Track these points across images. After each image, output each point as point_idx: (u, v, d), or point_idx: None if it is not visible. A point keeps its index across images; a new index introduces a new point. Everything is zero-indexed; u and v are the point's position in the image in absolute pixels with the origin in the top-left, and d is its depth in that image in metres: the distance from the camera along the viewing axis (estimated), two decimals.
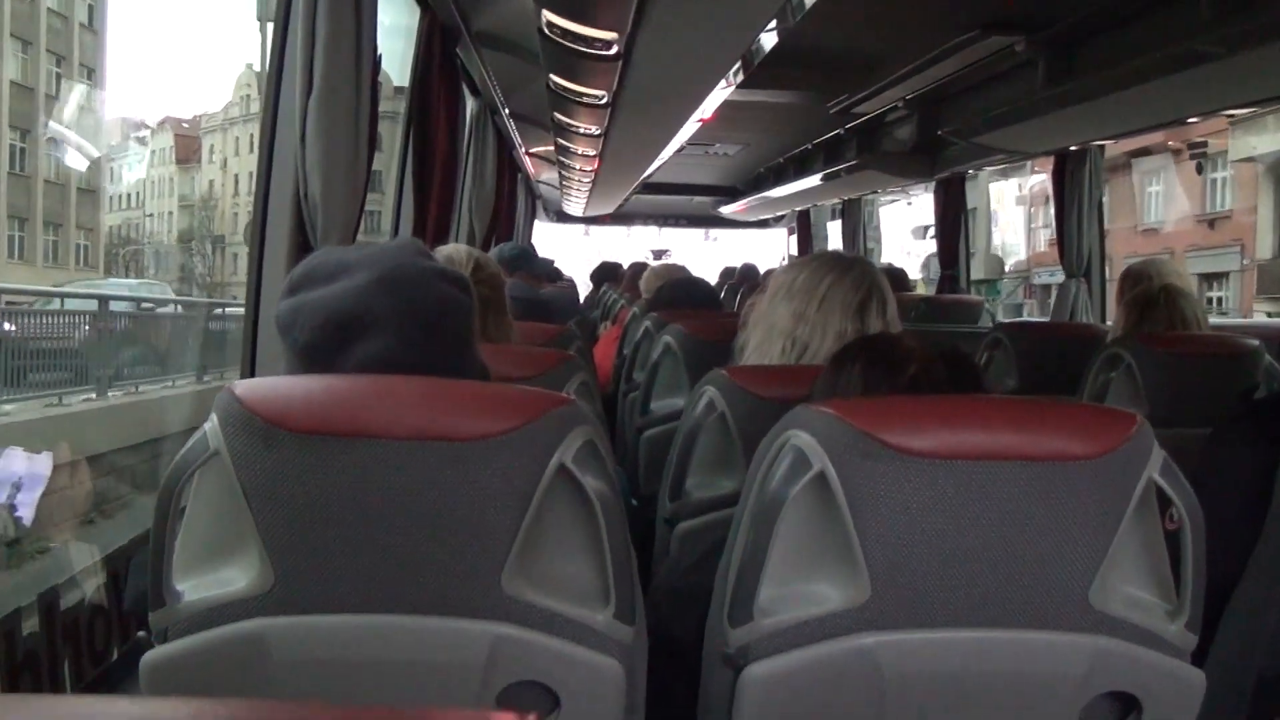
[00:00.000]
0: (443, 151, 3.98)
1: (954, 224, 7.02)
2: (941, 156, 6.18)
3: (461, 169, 4.80)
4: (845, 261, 2.18)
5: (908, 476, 1.20)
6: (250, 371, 2.31)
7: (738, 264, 11.43)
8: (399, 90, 4.43)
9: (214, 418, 1.21)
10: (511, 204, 8.18)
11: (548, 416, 1.21)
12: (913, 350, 1.50)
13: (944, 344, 1.54)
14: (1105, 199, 5.73)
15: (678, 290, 4.21)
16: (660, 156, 6.16)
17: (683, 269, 5.38)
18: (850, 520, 1.20)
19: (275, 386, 1.23)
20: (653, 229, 14.46)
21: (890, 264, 7.60)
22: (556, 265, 9.77)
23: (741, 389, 2.00)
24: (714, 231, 14.20)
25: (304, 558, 1.19)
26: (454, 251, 2.37)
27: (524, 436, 1.19)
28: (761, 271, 9.33)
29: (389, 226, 4.29)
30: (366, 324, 1.32)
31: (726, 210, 12.11)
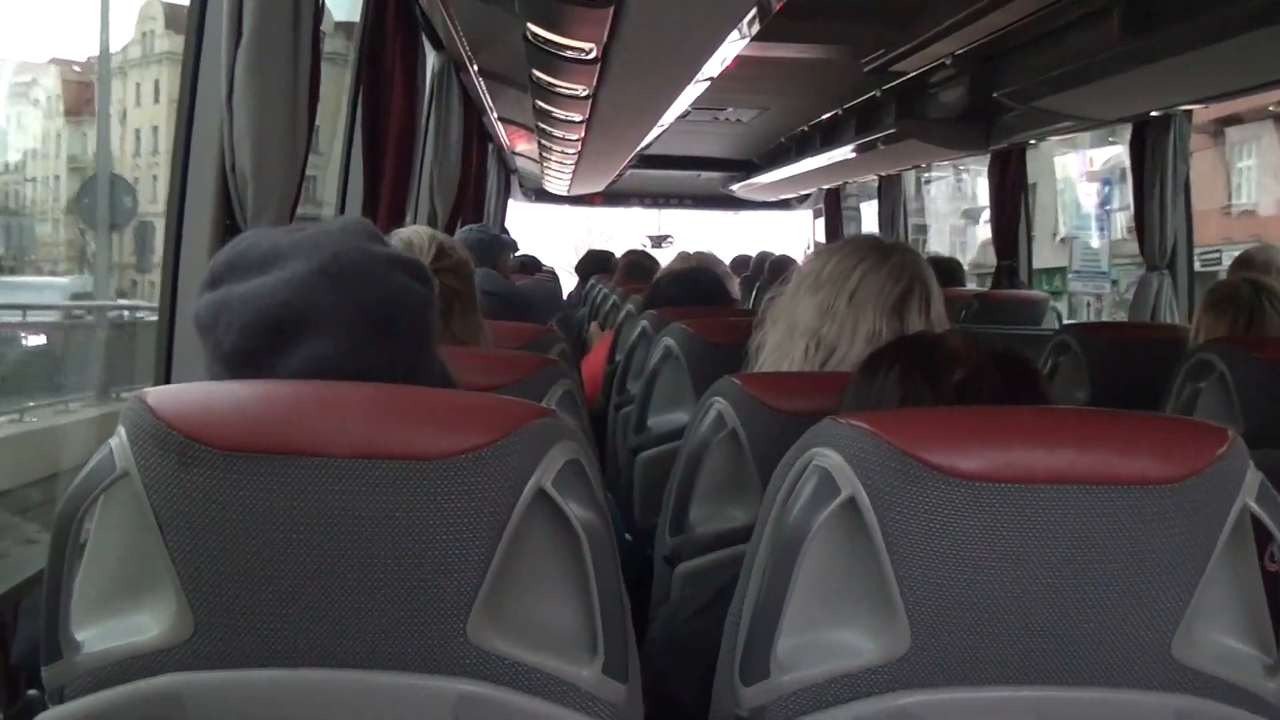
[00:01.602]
0: (398, 116, 3.99)
1: (1012, 205, 7.04)
2: (997, 124, 6.20)
3: (421, 137, 4.80)
4: (883, 248, 2.19)
5: (954, 503, 1.20)
6: (165, 378, 2.31)
7: (753, 253, 11.47)
8: (341, 27, 4.43)
9: (121, 432, 1.21)
10: (481, 179, 8.18)
11: (524, 431, 1.21)
12: (959, 352, 1.51)
13: (997, 344, 1.55)
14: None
15: (680, 283, 4.20)
16: (660, 123, 6.17)
17: (709, 256, 5.34)
18: (886, 555, 1.21)
19: (195, 395, 1.23)
20: (651, 211, 14.46)
21: (938, 253, 7.62)
22: (534, 255, 9.79)
23: (756, 400, 2.00)
24: (724, 214, 14.21)
25: (229, 600, 1.19)
26: (413, 235, 2.38)
27: (495, 455, 1.19)
28: (777, 260, 9.37)
29: (334, 203, 4.30)
30: (305, 323, 1.32)
31: (740, 188, 12.13)
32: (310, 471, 1.18)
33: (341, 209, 4.25)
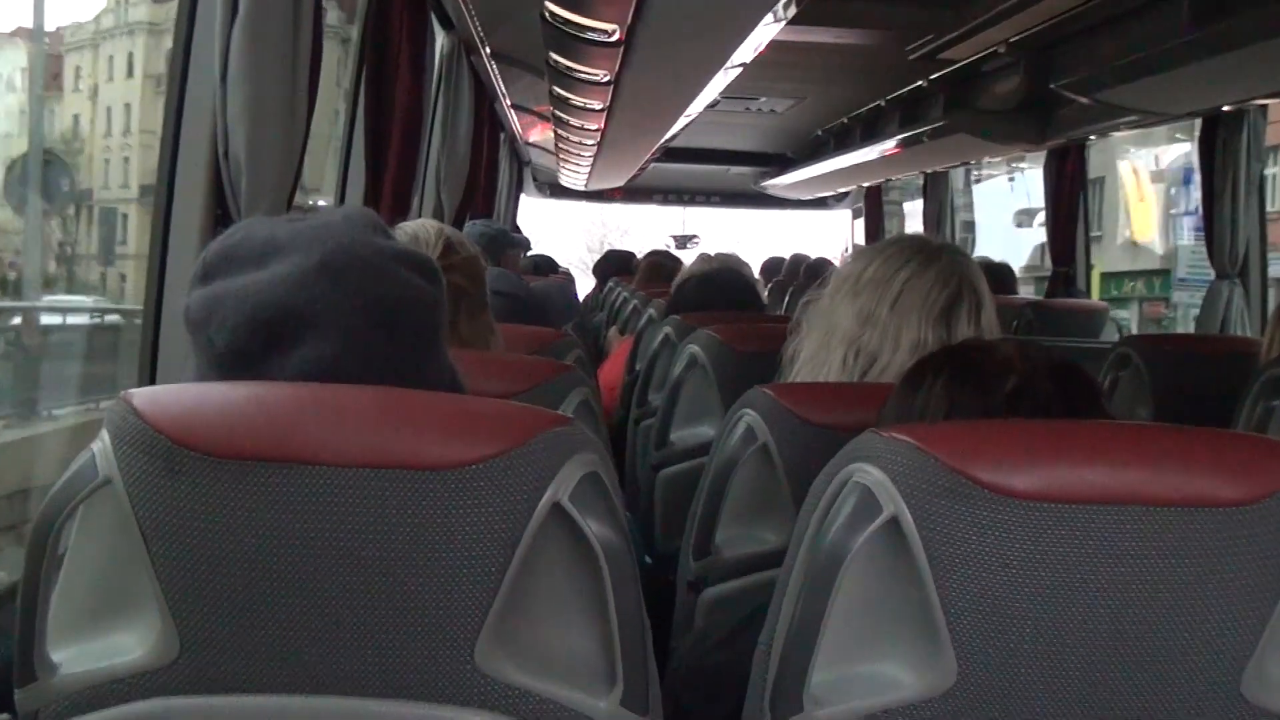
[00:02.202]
0: (404, 101, 4.00)
1: (1069, 206, 7.03)
2: (1054, 117, 6.19)
3: (428, 125, 4.82)
4: (929, 249, 2.19)
5: (1006, 524, 1.20)
6: (150, 378, 2.32)
7: (786, 256, 11.48)
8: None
9: (104, 436, 1.22)
10: (491, 171, 8.20)
11: (540, 440, 1.21)
12: (1011, 361, 1.51)
13: (1053, 354, 1.55)
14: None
15: (706, 286, 4.21)
16: (687, 113, 6.17)
17: (733, 258, 5.33)
18: (931, 581, 1.21)
19: (185, 396, 1.24)
20: (676, 209, 14.47)
21: (988, 258, 7.61)
22: (548, 255, 9.81)
23: (789, 413, 2.00)
24: (755, 213, 14.21)
25: (219, 620, 1.19)
26: (420, 229, 2.38)
27: (508, 465, 1.20)
28: (813, 264, 9.36)
29: (333, 193, 4.31)
30: (305, 322, 1.33)
31: (773, 185, 12.13)
32: (308, 481, 1.18)
33: (341, 200, 4.26)
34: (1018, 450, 1.23)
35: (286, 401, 1.23)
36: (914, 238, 2.30)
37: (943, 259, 2.17)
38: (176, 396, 1.23)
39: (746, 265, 5.29)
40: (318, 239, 1.36)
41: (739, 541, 2.08)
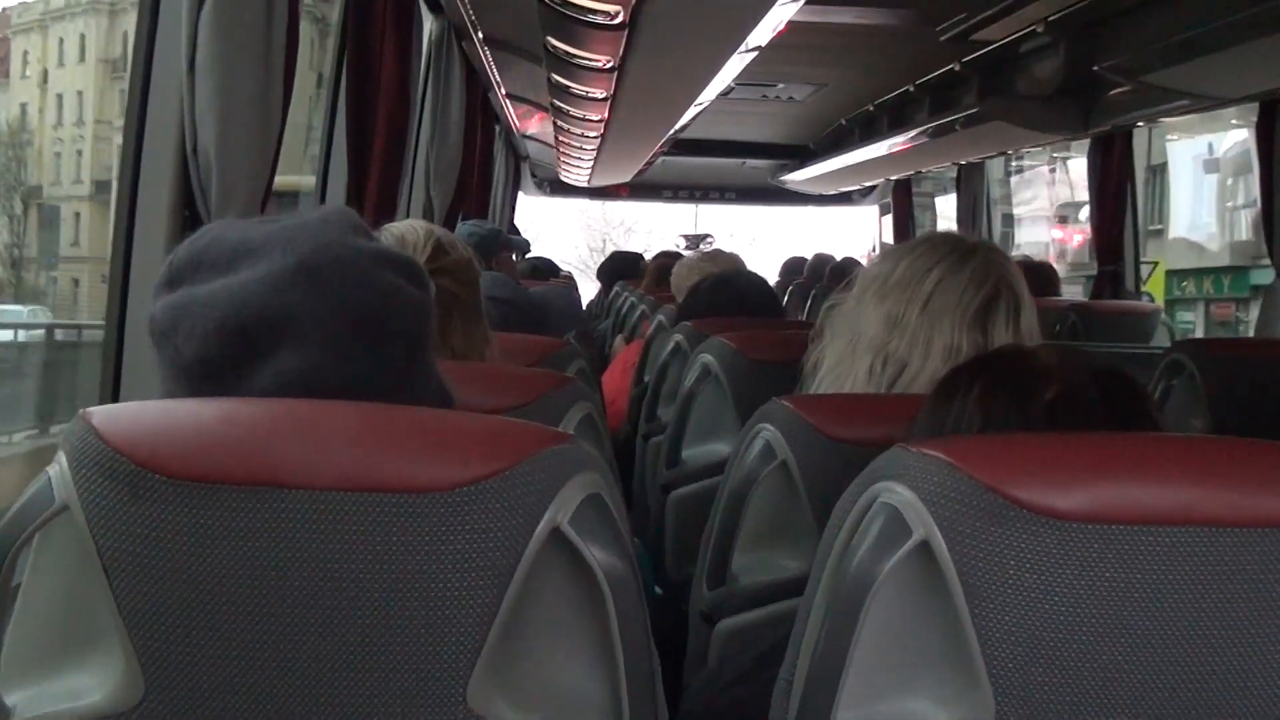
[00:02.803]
0: (389, 91, 4.00)
1: (1115, 199, 7.03)
2: (1098, 103, 6.19)
3: (415, 116, 4.82)
4: (963, 247, 2.19)
5: (1048, 548, 1.20)
6: (112, 395, 2.32)
7: (808, 257, 11.48)
8: None
9: (61, 459, 1.22)
10: (486, 167, 8.21)
11: (536, 459, 1.21)
12: (1051, 368, 1.51)
13: (1097, 360, 1.54)
14: None
15: (721, 290, 4.21)
16: (698, 101, 6.18)
17: (734, 260, 5.34)
18: (966, 610, 1.20)
19: (149, 414, 1.23)
20: (687, 207, 14.48)
21: (1028, 257, 7.59)
22: (548, 258, 9.81)
23: (811, 427, 2.00)
24: (773, 209, 14.21)
25: (186, 658, 1.19)
26: (407, 231, 2.38)
27: (502, 487, 1.20)
28: (839, 265, 9.35)
29: (313, 192, 4.32)
30: (280, 330, 1.33)
31: (792, 179, 12.15)
32: (284, 506, 1.18)
33: (321, 200, 4.26)
34: (1060, 466, 1.23)
35: (260, 419, 1.23)
36: (946, 235, 2.30)
37: (978, 257, 2.17)
38: (139, 415, 1.23)
39: (742, 262, 5.31)
40: (293, 240, 1.36)
41: (757, 569, 2.08)
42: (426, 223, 2.51)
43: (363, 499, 1.18)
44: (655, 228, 30.28)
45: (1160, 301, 7.79)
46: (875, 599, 1.23)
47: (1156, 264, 7.36)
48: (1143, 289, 7.48)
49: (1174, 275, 19.61)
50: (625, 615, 1.22)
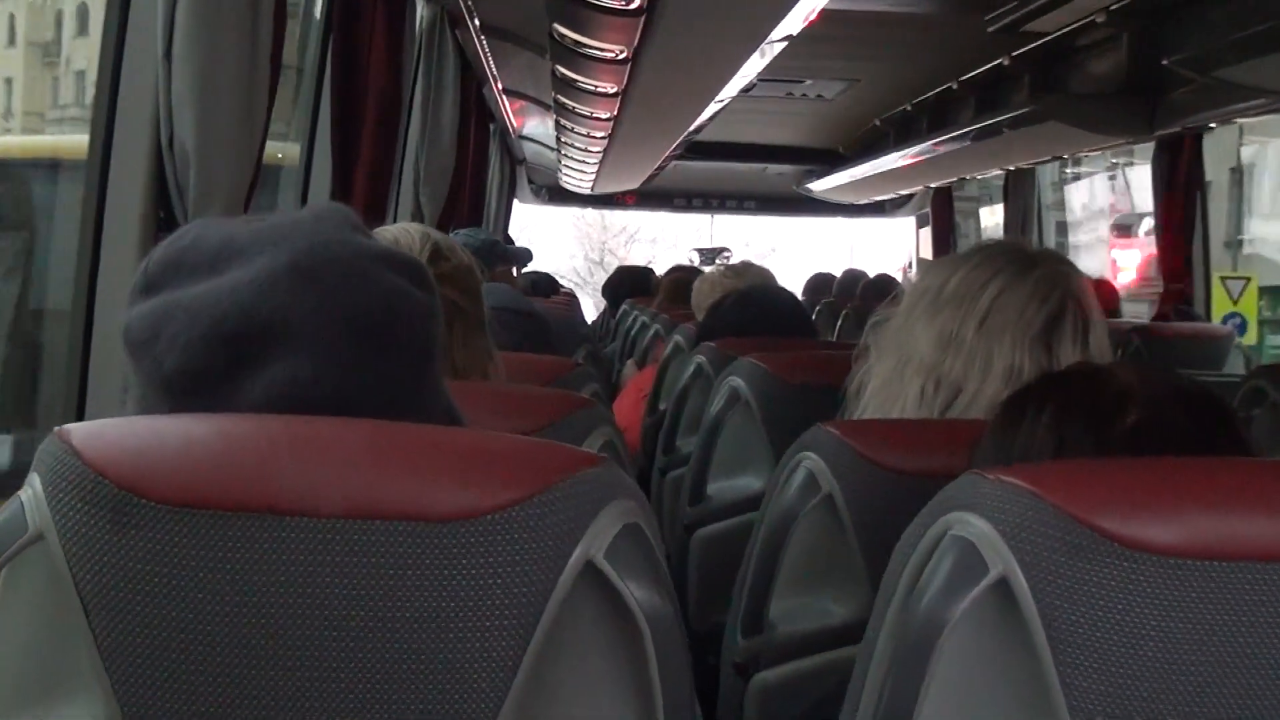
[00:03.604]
0: (378, 85, 4.01)
1: (1183, 209, 7.02)
2: (1164, 102, 6.19)
3: (405, 113, 4.83)
4: (1025, 257, 2.19)
5: (1142, 585, 1.19)
6: (78, 411, 2.32)
7: (835, 272, 11.49)
8: None
9: (35, 482, 1.21)
10: (480, 170, 8.23)
11: (568, 484, 1.21)
12: (1132, 389, 1.50)
13: (1181, 380, 1.54)
14: None
15: (746, 307, 4.21)
16: (717, 98, 6.19)
17: (764, 274, 5.32)
18: (1049, 654, 1.20)
19: (134, 432, 1.23)
20: (702, 217, 14.50)
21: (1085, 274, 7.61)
22: (547, 272, 9.82)
23: (860, 456, 2.00)
24: (798, 221, 14.22)
25: (174, 702, 1.18)
26: (401, 235, 2.38)
27: (529, 516, 1.19)
28: (874, 282, 9.35)
29: (294, 194, 4.32)
30: (273, 336, 1.32)
31: (820, 187, 12.15)
32: (284, 535, 1.18)
33: (303, 203, 4.26)
34: (1153, 495, 1.23)
35: (256, 437, 1.23)
36: (1006, 243, 2.30)
37: (1041, 268, 2.17)
38: (124, 432, 1.23)
39: (774, 278, 5.29)
40: (285, 238, 1.36)
41: (798, 615, 2.08)
42: (421, 225, 2.51)
43: (371, 528, 1.18)
44: (660, 236, 30.17)
45: (1253, 322, 7.72)
46: (947, 644, 1.23)
47: (1249, 280, 7.31)
48: (1234, 307, 7.45)
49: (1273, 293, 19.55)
50: (666, 659, 1.22)
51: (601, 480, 1.23)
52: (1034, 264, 2.17)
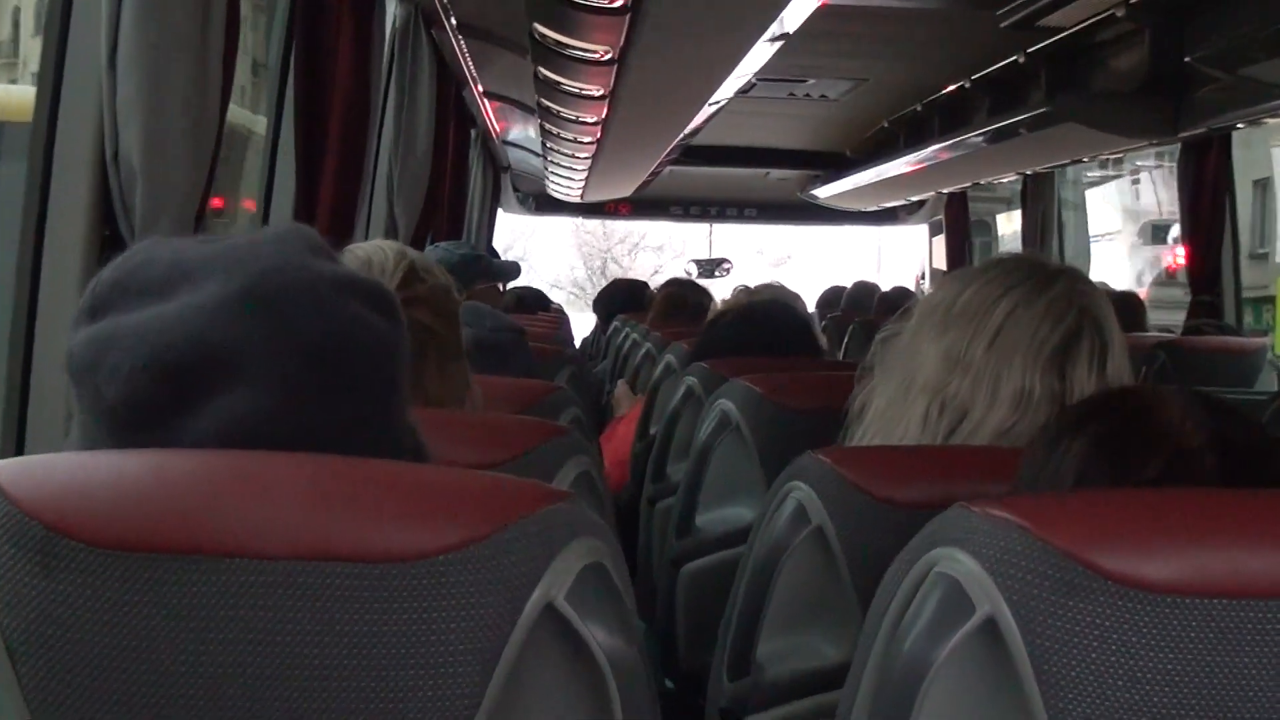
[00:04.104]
0: (345, 88, 4.00)
1: (1211, 215, 7.02)
2: (1188, 101, 6.18)
3: (377, 118, 4.83)
4: (1042, 272, 2.19)
5: (1138, 625, 1.20)
6: (17, 446, 2.32)
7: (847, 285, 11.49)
8: None
9: None
10: (460, 179, 8.21)
11: (528, 522, 1.22)
12: (1165, 435, 1.49)
13: (1228, 418, 1.53)
14: None
15: (745, 325, 4.19)
16: (712, 100, 6.19)
17: (783, 291, 5.27)
18: (1039, 699, 1.20)
19: (65, 469, 1.24)
20: (700, 226, 14.49)
21: (1108, 286, 7.60)
22: (537, 288, 9.82)
23: (853, 486, 1.99)
24: (804, 230, 14.21)
25: None
26: (374, 253, 2.37)
27: (486, 555, 1.20)
28: (888, 295, 9.35)
29: (258, 206, 4.32)
30: (222, 367, 1.33)
31: (825, 193, 12.14)
32: (223, 578, 1.18)
33: (265, 218, 4.26)
34: (1150, 528, 1.23)
35: (200, 473, 1.23)
36: (1021, 257, 2.29)
37: (1058, 285, 2.17)
38: (52, 469, 1.23)
39: (799, 299, 5.26)
40: (239, 262, 1.36)
41: (788, 656, 2.07)
42: (397, 244, 2.50)
43: (317, 570, 1.18)
44: (667, 243, 29.90)
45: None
46: (932, 687, 1.23)
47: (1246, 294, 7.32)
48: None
49: None
50: (632, 706, 1.22)
51: (563, 518, 1.24)
52: (1051, 280, 2.17)
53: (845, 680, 1.40)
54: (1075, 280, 2.20)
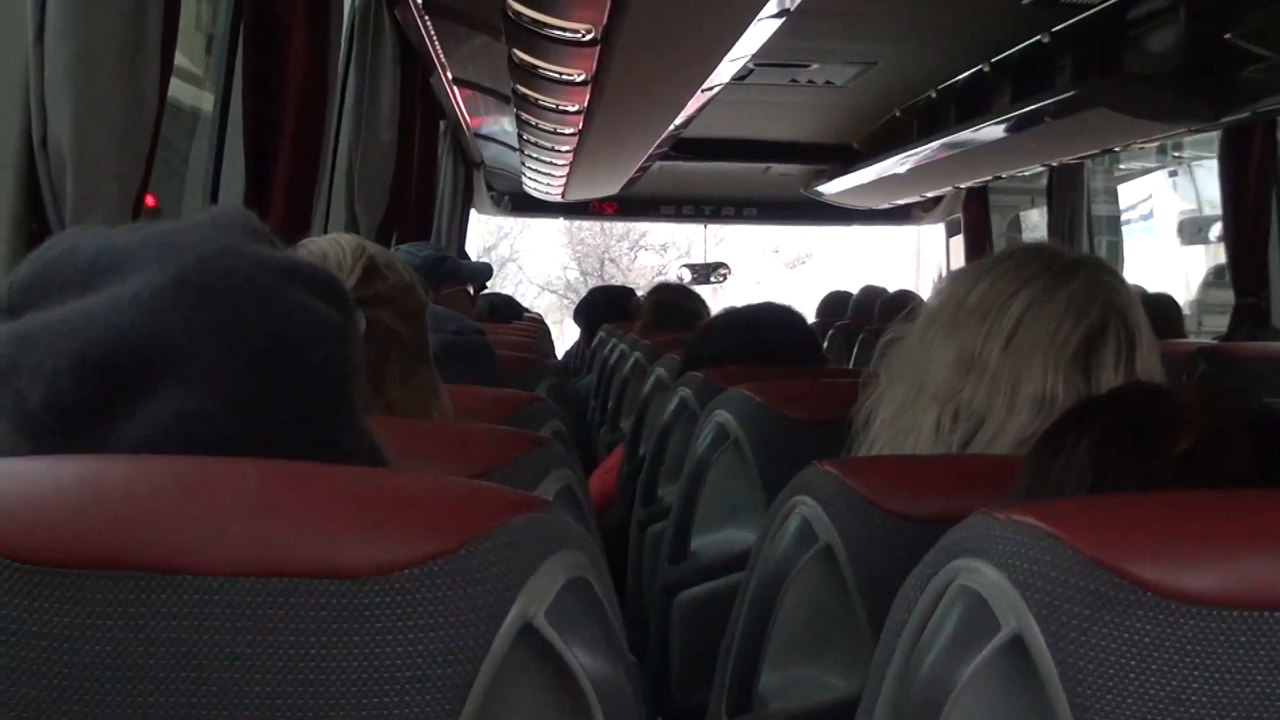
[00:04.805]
0: (300, 73, 4.00)
1: (1256, 210, 7.02)
2: (1231, 82, 6.19)
3: (334, 108, 4.83)
4: (1060, 263, 2.19)
5: (1181, 641, 1.19)
6: None
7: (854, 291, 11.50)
8: None
9: None
10: (427, 174, 8.22)
11: (503, 532, 1.21)
12: (1188, 411, 1.49)
13: (1251, 405, 1.54)
14: None
15: (743, 329, 4.19)
16: (706, 86, 6.19)
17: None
18: None
19: None
20: (695, 227, 14.50)
21: (1143, 289, 7.60)
22: (509, 295, 9.83)
23: (863, 500, 1.99)
24: (809, 231, 14.23)
25: None
26: (330, 248, 2.36)
27: (456, 570, 1.19)
28: (892, 299, 9.36)
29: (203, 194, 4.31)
30: (156, 365, 1.32)
31: (832, 190, 12.16)
32: (164, 596, 1.17)
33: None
34: (1195, 535, 1.23)
35: (136, 481, 1.23)
36: (1038, 247, 2.29)
37: (1079, 276, 2.16)
38: None
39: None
40: (173, 249, 1.35)
41: (793, 690, 2.07)
42: (355, 237, 2.49)
43: (269, 587, 1.17)
44: (671, 242, 29.70)
45: None
46: (954, 712, 1.23)
47: None
48: None
49: None
50: None
51: (543, 528, 1.23)
52: (1070, 272, 2.17)
53: (856, 714, 1.40)
54: (1097, 271, 2.19)
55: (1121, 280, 2.23)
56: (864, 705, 1.34)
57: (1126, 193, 12.68)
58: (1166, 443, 1.48)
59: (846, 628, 2.00)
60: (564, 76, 5.50)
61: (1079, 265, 2.19)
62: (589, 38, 4.70)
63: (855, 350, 8.30)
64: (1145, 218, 14.54)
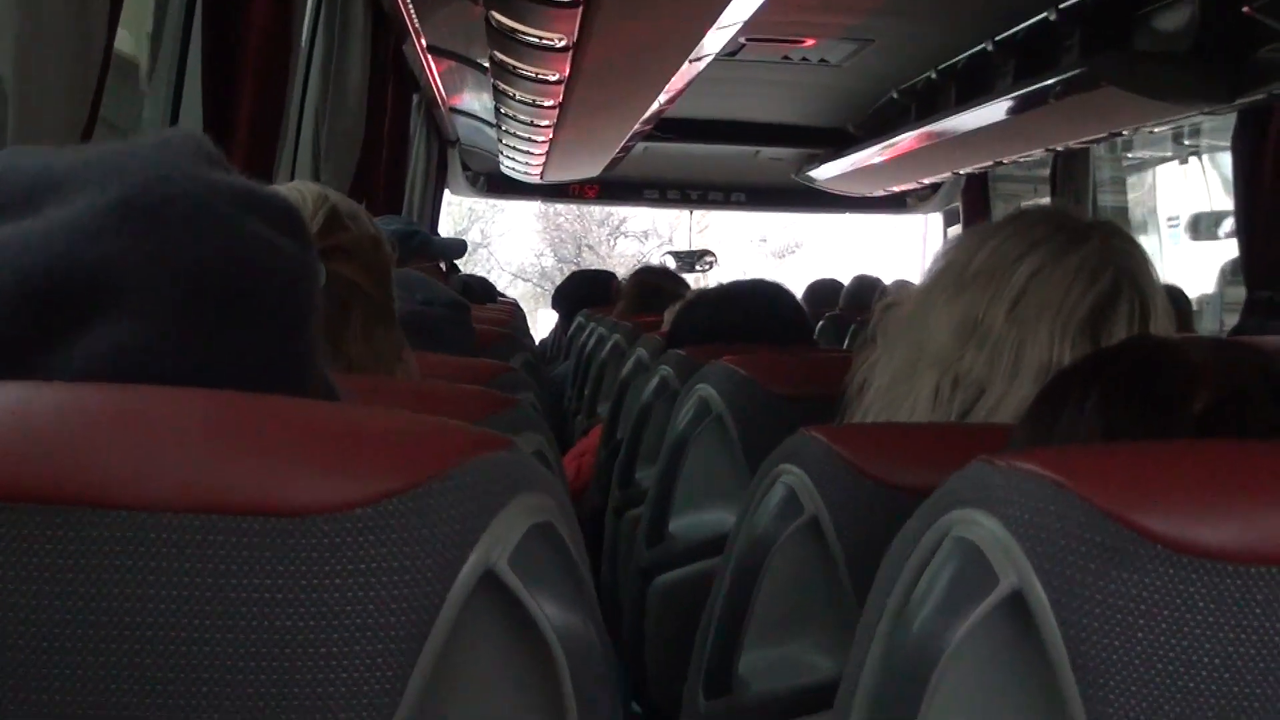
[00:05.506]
0: (262, 30, 4.00)
1: (1273, 197, 7.03)
2: (1247, 61, 6.20)
3: (299, 61, 4.82)
4: (1071, 226, 2.19)
5: (1194, 599, 1.18)
6: None
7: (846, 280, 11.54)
8: None
9: None
10: (399, 149, 8.23)
11: (463, 471, 1.19)
12: (1205, 366, 1.48)
13: (1271, 358, 1.53)
14: None
15: (725, 307, 4.20)
16: (692, 58, 6.19)
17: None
18: (1074, 684, 1.19)
19: None
20: (680, 212, 14.54)
21: None
22: (483, 276, 9.85)
23: (854, 469, 1.99)
24: (801, 218, 14.27)
25: None
26: (292, 194, 2.34)
27: (413, 510, 1.17)
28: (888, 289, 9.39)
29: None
30: (96, 293, 1.30)
31: (824, 175, 12.21)
32: (101, 533, 1.15)
33: None
34: (1209, 485, 1.22)
35: (71, 410, 1.21)
36: (1047, 210, 2.29)
37: (1091, 241, 2.16)
38: None
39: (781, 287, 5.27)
40: (118, 170, 1.34)
41: (775, 670, 2.07)
42: (317, 185, 2.48)
43: (212, 524, 1.16)
44: (653, 229, 29.85)
45: None
46: (947, 672, 1.22)
47: None
48: None
49: None
50: (585, 691, 1.20)
51: (506, 468, 1.21)
52: (1082, 236, 2.16)
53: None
54: (1110, 235, 2.19)
55: (1137, 246, 2.23)
56: (849, 670, 1.33)
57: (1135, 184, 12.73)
58: (1181, 401, 1.46)
59: (832, 604, 2.00)
60: (544, 41, 5.50)
61: (1092, 229, 2.19)
62: (569, 1, 4.70)
63: (846, 344, 8.31)
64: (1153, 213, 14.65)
